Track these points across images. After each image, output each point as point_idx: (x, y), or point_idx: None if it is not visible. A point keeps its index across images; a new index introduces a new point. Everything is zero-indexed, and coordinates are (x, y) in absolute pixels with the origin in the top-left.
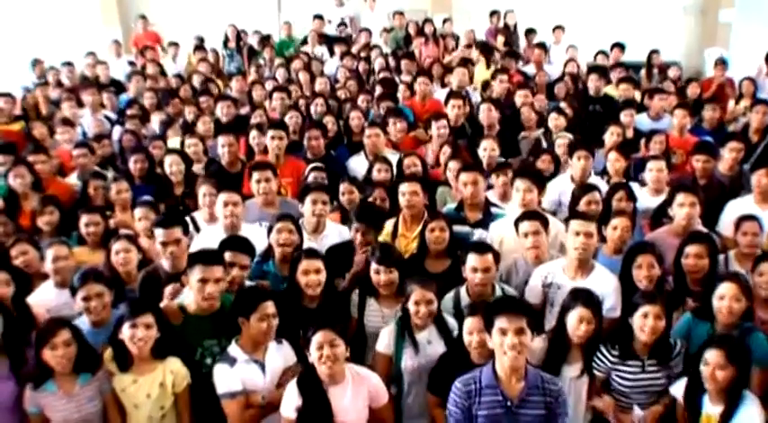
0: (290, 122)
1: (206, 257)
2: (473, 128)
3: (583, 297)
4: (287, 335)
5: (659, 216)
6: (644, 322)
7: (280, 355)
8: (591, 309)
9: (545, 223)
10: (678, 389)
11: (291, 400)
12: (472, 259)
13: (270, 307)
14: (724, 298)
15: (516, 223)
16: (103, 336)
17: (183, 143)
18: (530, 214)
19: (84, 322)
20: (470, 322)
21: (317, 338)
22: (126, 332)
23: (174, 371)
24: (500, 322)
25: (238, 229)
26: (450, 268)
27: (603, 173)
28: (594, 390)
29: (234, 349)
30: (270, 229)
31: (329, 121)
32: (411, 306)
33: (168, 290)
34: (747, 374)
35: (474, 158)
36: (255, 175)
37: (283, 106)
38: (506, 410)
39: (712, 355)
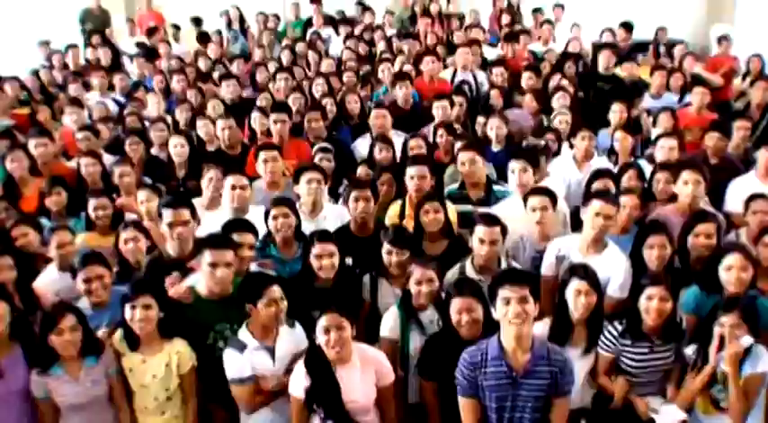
0: (293, 104)
1: (215, 241)
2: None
3: (579, 271)
4: (301, 317)
5: None
6: (648, 305)
7: (291, 339)
8: (588, 281)
9: (554, 200)
10: (692, 350)
11: (299, 380)
12: (480, 231)
13: (276, 291)
14: (731, 268)
15: (525, 198)
16: (104, 317)
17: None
18: (539, 190)
19: (84, 304)
20: (457, 302)
21: (324, 322)
22: (127, 313)
23: (179, 352)
24: (503, 292)
25: (246, 213)
26: (447, 249)
27: (611, 152)
28: (603, 369)
29: (244, 334)
30: (266, 214)
31: (328, 102)
32: (412, 286)
33: (167, 282)
34: (757, 332)
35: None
36: (262, 155)
37: (287, 88)
38: (512, 381)
39: (727, 318)
